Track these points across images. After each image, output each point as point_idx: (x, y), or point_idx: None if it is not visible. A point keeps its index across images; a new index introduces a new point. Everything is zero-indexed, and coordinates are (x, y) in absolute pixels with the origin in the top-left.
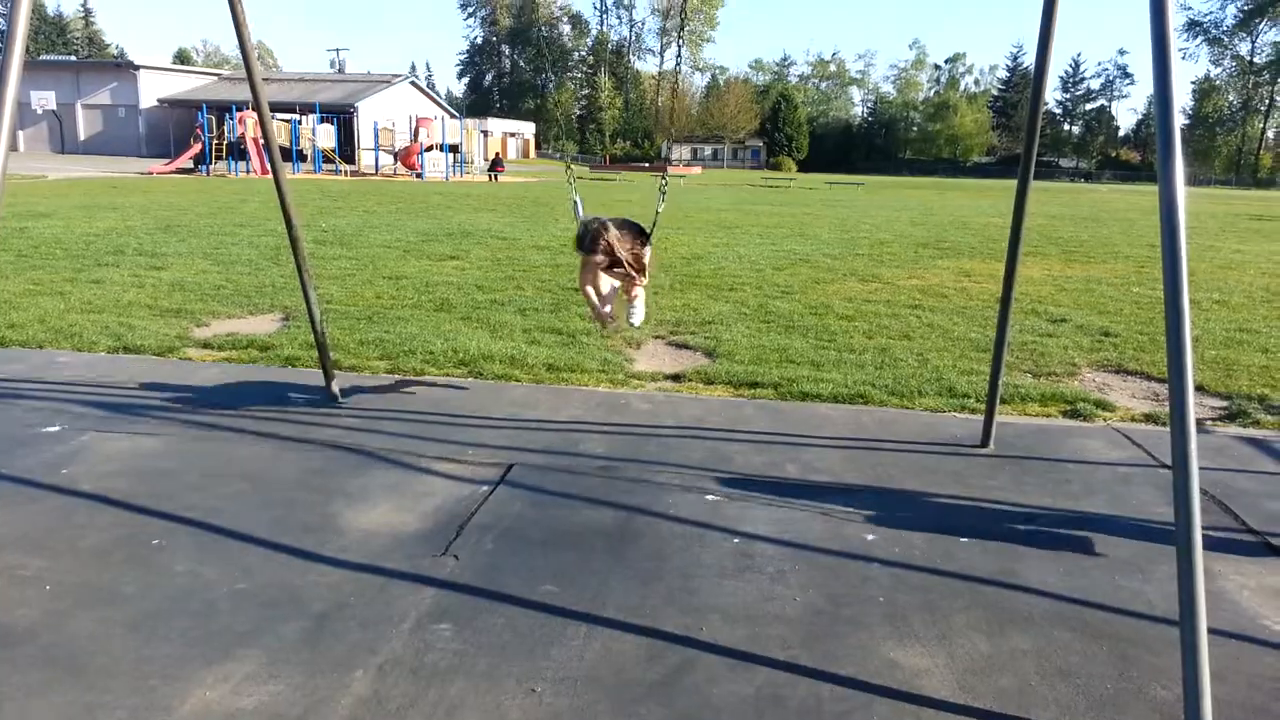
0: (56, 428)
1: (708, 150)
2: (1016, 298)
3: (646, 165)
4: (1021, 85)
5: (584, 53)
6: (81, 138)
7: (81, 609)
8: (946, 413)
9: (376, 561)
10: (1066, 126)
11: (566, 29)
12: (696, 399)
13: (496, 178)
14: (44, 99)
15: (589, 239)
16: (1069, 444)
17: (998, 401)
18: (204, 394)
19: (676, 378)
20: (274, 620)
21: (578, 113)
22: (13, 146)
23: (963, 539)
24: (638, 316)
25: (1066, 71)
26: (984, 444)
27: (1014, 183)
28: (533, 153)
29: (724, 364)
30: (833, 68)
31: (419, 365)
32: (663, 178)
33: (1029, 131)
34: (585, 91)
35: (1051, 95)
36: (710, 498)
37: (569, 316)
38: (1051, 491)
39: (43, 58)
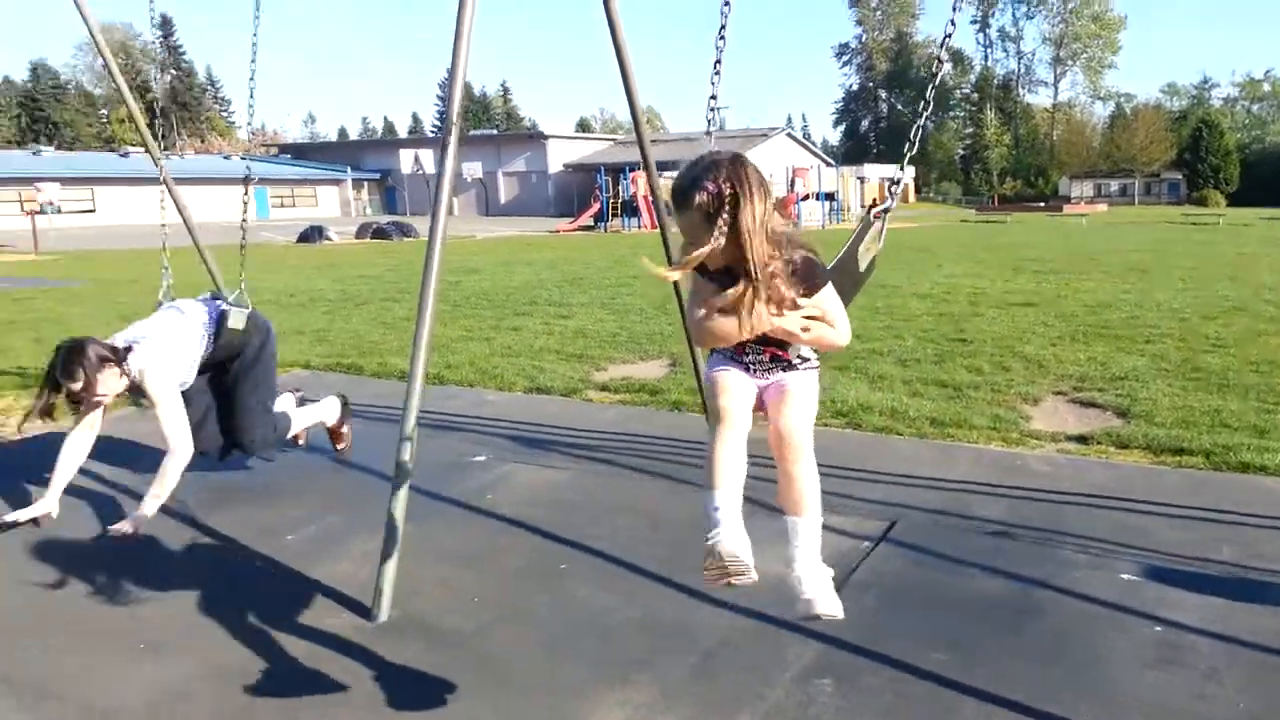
0: (483, 457)
1: (1114, 185)
2: None
3: (1042, 205)
4: None
5: (967, 89)
6: (502, 201)
7: (502, 623)
8: None
9: (761, 607)
10: None
11: (947, 67)
12: (1106, 464)
13: None
14: (473, 169)
15: (690, 185)
16: None
17: None
18: (603, 433)
19: (1082, 439)
20: (667, 652)
21: (960, 153)
22: (449, 211)
23: None
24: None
25: None
26: None
27: None
28: (912, 196)
29: (1140, 426)
30: (1266, 87)
31: None
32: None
33: None
34: (969, 130)
35: None
36: (1124, 576)
37: (954, 369)
38: None
39: (472, 133)
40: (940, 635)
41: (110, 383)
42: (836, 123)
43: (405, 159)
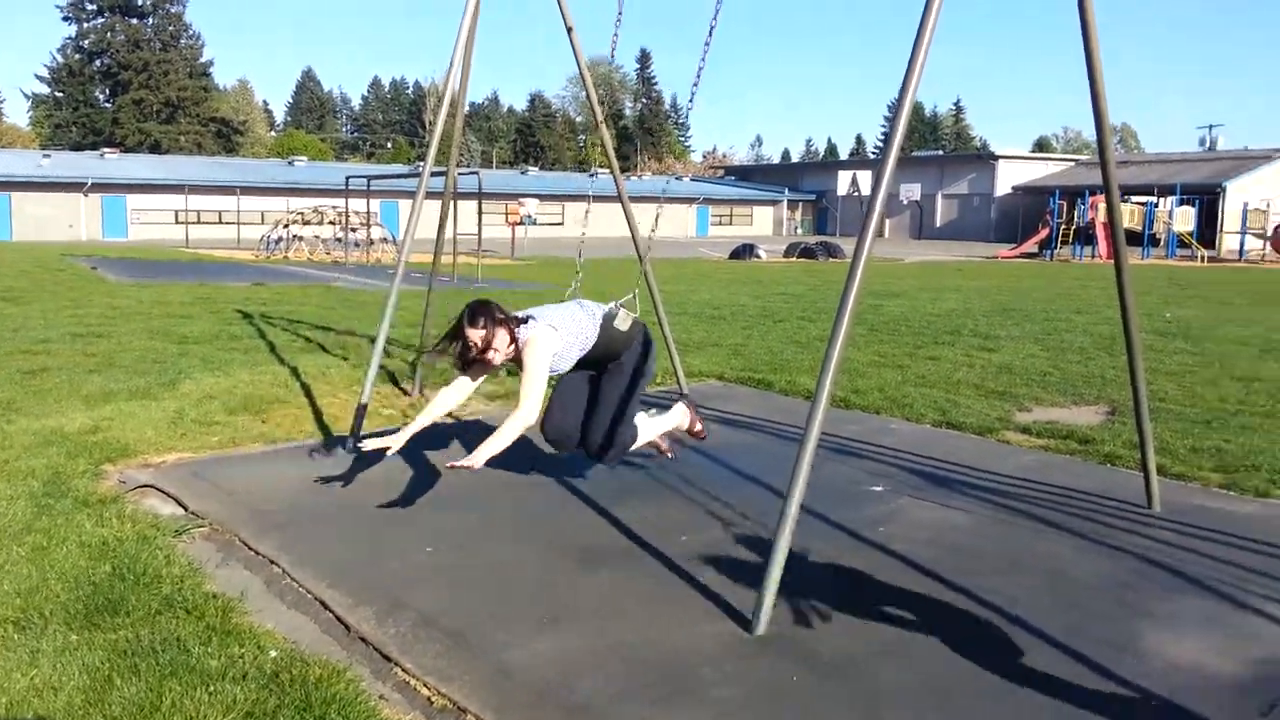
0: (879, 488)
1: None
2: None
3: None
4: None
5: None
6: (938, 224)
7: (881, 658)
8: None
9: (1178, 699)
10: None
11: None
12: None
13: None
14: (911, 190)
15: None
16: None
17: None
18: (1016, 479)
19: None
20: None
21: None
22: (880, 233)
23: None
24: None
25: None
26: None
27: None
28: None
29: None
30: None
31: (1262, 485)
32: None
33: None
34: None
35: None
36: None
37: None
38: None
39: (914, 154)
40: None
41: (501, 341)
42: None
43: (843, 180)
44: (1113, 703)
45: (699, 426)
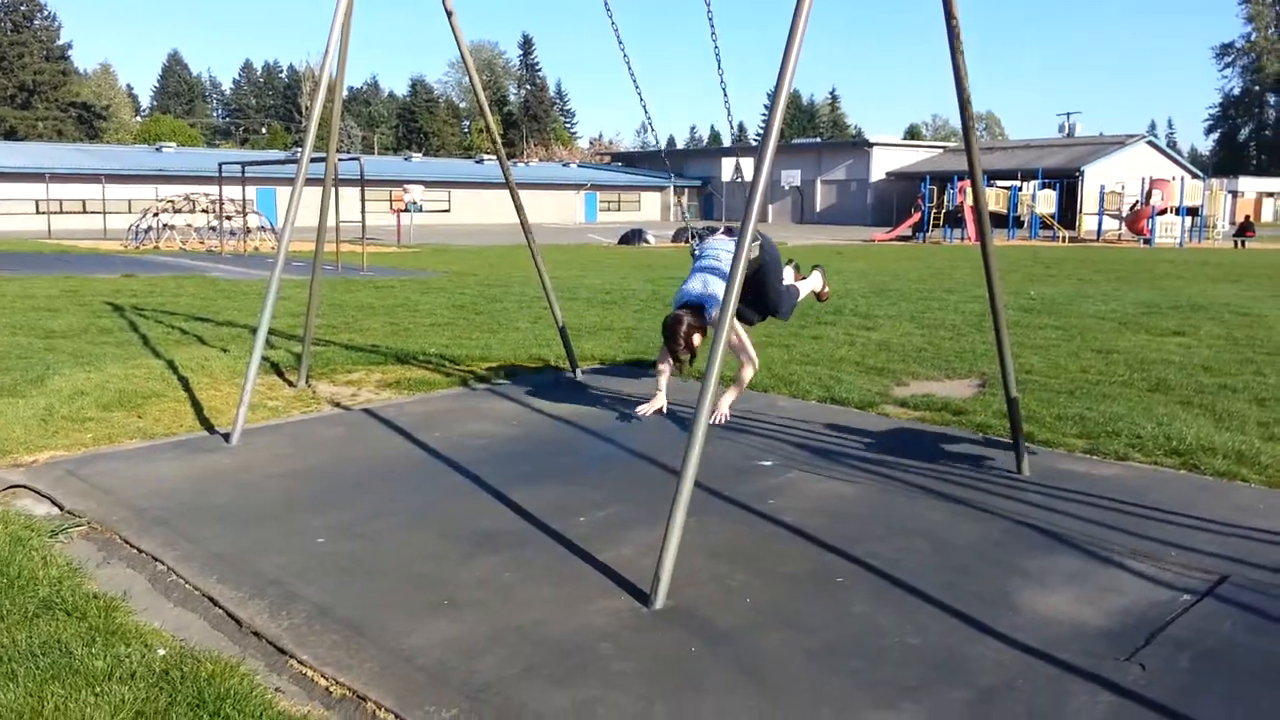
0: (769, 462)
1: None
2: None
3: None
4: None
5: None
6: (818, 209)
7: (771, 626)
8: None
9: (1049, 649)
10: None
11: None
12: None
13: (1244, 244)
14: (791, 176)
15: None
16: None
17: None
18: (896, 449)
19: None
20: (940, 683)
21: None
22: (763, 218)
23: None
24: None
25: None
26: None
27: None
28: None
29: None
30: None
31: (1122, 449)
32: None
33: None
34: None
35: None
36: None
37: None
38: None
39: (794, 141)
40: (1270, 716)
41: (697, 338)
42: (1210, 130)
43: (726, 167)
44: (990, 653)
45: (827, 290)
